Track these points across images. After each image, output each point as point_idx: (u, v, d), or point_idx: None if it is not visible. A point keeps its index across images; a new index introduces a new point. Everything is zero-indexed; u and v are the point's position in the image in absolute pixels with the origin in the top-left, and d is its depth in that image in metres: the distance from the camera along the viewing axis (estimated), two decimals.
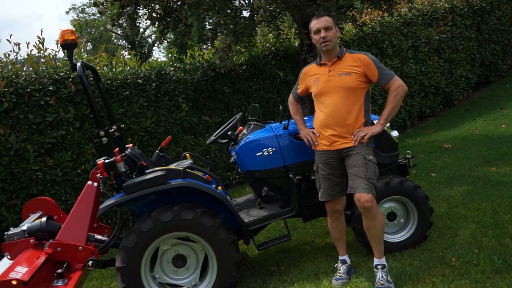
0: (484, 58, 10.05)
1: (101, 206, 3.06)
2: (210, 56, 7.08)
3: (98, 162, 3.07)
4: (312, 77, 3.22)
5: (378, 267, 3.03)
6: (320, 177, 3.19)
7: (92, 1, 6.88)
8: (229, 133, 3.77)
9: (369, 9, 7.60)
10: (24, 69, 5.26)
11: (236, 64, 7.07)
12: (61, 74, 5.29)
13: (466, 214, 3.99)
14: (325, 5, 5.68)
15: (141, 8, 6.63)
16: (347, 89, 3.03)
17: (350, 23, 7.16)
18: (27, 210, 3.51)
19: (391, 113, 3.04)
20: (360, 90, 3.05)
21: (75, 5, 50.07)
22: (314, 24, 3.11)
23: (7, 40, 5.14)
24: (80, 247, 3.04)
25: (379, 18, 8.68)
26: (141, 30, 30.86)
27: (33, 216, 3.39)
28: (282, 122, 3.60)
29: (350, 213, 3.55)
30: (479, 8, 9.82)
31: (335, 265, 3.36)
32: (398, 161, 3.77)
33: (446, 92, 9.37)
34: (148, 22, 7.01)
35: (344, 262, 3.30)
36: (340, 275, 3.23)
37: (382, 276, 2.98)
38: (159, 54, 52.41)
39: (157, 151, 3.93)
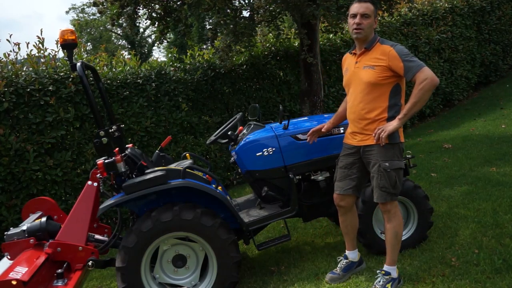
0: (484, 58, 10.04)
1: (101, 206, 3.06)
2: (210, 56, 7.08)
3: (98, 162, 3.07)
4: (345, 67, 3.15)
5: (381, 272, 2.98)
6: (338, 168, 3.17)
7: (92, 1, 6.87)
8: (229, 133, 3.77)
9: None
10: (24, 69, 5.26)
11: (236, 64, 7.07)
12: (61, 74, 5.29)
13: (466, 214, 3.99)
14: (325, 5, 5.68)
15: (141, 8, 6.61)
16: (368, 84, 2.87)
17: None
18: (27, 210, 3.51)
19: (412, 108, 2.76)
20: (384, 86, 2.86)
21: (75, 5, 50.19)
22: (354, 7, 2.90)
23: (7, 40, 5.14)
24: (80, 247, 3.03)
25: (379, 18, 8.67)
26: (141, 30, 30.87)
27: (33, 216, 3.39)
28: (282, 122, 3.60)
29: None
30: (479, 8, 9.82)
31: (337, 258, 3.39)
32: None
33: (446, 92, 9.37)
34: (148, 22, 6.99)
35: (345, 257, 3.30)
36: (336, 269, 3.27)
37: (380, 281, 2.95)
38: (159, 54, 52.47)
39: (157, 151, 3.93)
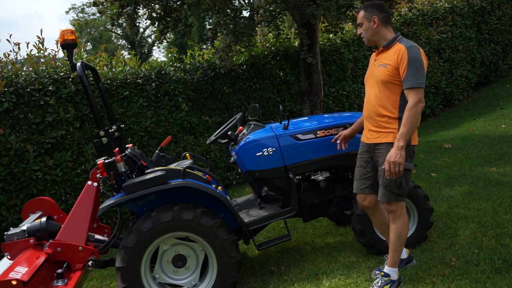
0: (484, 58, 10.04)
1: (101, 206, 3.06)
2: (210, 56, 7.08)
3: (98, 162, 3.07)
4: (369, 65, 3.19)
5: (381, 274, 2.95)
6: (356, 166, 3.18)
7: (92, 1, 6.87)
8: (229, 133, 3.77)
9: None
10: (24, 69, 5.26)
11: (236, 64, 7.07)
12: (61, 74, 5.29)
13: (466, 214, 3.99)
14: (325, 5, 5.68)
15: (141, 8, 6.62)
16: (380, 82, 2.89)
17: (350, 23, 7.16)
18: (27, 210, 3.51)
19: (410, 131, 2.75)
20: (397, 85, 2.84)
21: (75, 5, 50.26)
22: None
23: (7, 40, 5.15)
24: (80, 247, 3.04)
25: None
26: (141, 30, 30.89)
27: (33, 216, 3.39)
28: (282, 122, 3.60)
29: (350, 213, 3.56)
30: (479, 8, 9.81)
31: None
32: None
33: (446, 92, 9.37)
34: (148, 22, 7.00)
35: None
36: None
37: (378, 283, 2.93)
38: (159, 54, 52.48)
39: (157, 151, 3.93)
